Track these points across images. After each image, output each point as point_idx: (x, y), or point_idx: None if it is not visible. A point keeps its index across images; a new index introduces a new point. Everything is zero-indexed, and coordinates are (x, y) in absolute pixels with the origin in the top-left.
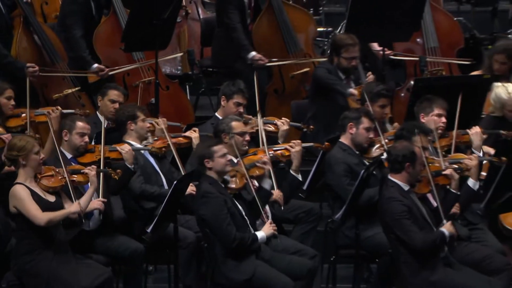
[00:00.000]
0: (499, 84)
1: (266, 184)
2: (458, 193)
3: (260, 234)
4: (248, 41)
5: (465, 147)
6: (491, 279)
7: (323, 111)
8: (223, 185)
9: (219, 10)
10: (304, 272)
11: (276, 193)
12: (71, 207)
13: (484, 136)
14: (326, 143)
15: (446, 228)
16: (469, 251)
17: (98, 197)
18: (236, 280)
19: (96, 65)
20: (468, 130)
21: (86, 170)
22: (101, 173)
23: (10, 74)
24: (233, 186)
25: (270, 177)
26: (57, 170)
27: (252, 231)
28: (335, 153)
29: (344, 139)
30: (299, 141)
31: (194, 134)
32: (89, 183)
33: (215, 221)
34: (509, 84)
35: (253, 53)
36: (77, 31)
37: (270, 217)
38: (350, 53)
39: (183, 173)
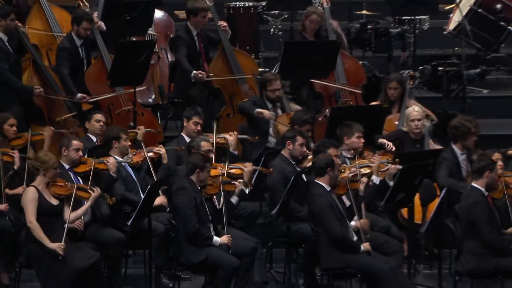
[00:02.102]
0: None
1: (233, 200)
2: (364, 195)
3: (216, 239)
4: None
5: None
6: (388, 258)
7: (253, 132)
8: (199, 188)
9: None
10: (247, 251)
11: None
12: (55, 245)
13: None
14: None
15: (364, 247)
16: (373, 237)
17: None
18: (194, 261)
19: (79, 94)
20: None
21: (91, 192)
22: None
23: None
24: (208, 191)
25: (238, 196)
26: (66, 183)
27: (212, 230)
28: (276, 164)
29: (284, 152)
30: (250, 163)
31: (162, 150)
32: (87, 199)
33: (183, 209)
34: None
35: (195, 71)
36: (64, 69)
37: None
38: (273, 86)
39: (155, 179)
